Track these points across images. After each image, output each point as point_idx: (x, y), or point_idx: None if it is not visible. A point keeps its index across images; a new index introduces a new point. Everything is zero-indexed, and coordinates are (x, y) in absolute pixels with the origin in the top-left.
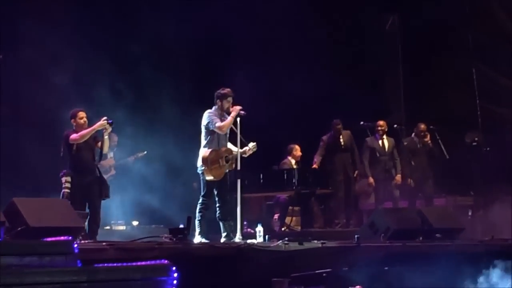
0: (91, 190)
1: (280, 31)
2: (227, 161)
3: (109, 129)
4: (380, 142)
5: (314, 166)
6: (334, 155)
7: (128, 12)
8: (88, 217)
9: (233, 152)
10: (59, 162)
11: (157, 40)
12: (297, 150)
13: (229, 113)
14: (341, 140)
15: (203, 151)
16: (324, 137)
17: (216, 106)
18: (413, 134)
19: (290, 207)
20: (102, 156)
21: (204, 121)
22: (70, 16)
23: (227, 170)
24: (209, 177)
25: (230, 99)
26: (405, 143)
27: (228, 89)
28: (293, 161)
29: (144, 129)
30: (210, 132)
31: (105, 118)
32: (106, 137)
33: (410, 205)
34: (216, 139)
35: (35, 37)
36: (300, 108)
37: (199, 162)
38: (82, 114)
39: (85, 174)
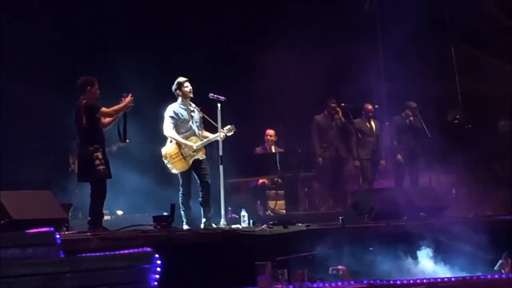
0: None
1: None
2: (193, 151)
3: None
4: (368, 124)
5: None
6: (324, 135)
7: None
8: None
9: (203, 139)
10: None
11: None
12: (267, 135)
13: (188, 97)
14: (335, 120)
15: (165, 146)
16: (316, 116)
17: (180, 99)
18: (403, 113)
19: (274, 191)
20: (126, 134)
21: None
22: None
23: (200, 158)
24: (174, 171)
25: (186, 83)
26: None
27: (180, 78)
28: (268, 147)
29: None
30: None
31: (131, 95)
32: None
33: (397, 183)
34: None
35: None
36: (286, 91)
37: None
38: (97, 84)
39: (104, 148)
